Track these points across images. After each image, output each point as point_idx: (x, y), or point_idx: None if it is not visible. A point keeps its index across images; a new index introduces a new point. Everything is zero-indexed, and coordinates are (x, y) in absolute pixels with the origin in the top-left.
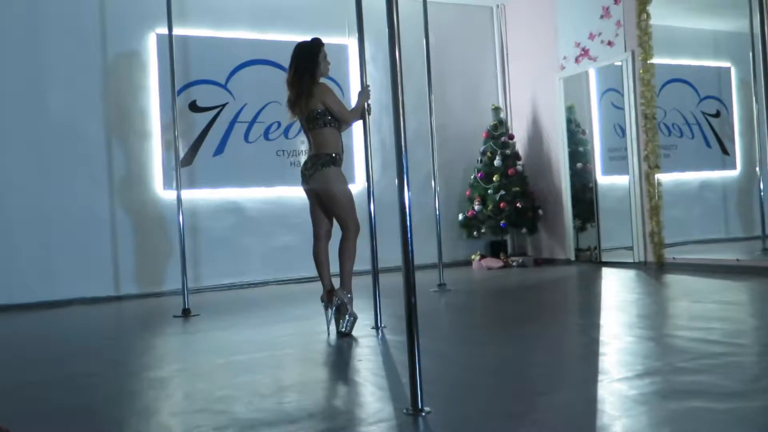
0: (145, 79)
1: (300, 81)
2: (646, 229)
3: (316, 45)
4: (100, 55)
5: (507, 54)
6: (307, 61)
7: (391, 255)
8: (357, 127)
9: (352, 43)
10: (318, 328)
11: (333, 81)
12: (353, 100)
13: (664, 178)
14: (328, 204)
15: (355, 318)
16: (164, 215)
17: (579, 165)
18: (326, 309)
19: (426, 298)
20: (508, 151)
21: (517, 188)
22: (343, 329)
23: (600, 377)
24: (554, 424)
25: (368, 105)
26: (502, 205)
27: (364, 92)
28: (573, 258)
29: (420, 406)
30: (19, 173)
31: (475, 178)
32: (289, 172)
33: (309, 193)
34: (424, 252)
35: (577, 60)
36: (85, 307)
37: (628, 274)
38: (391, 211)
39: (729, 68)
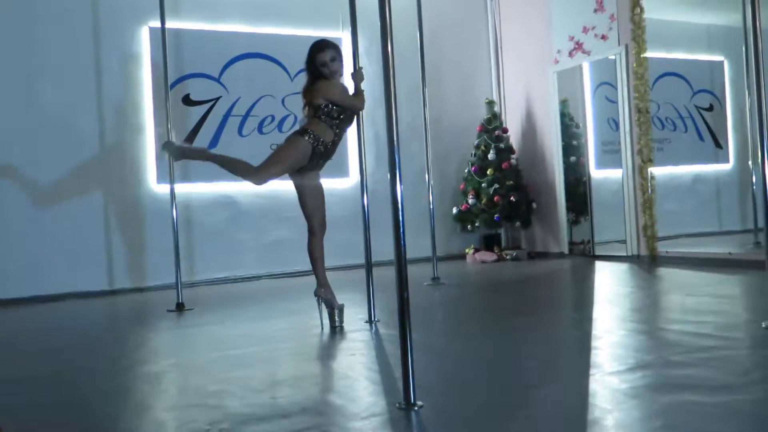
0: (138, 72)
1: (306, 87)
2: (639, 223)
3: (309, 53)
4: (93, 49)
5: (501, 47)
6: (308, 67)
7: (385, 248)
8: None
9: (345, 36)
10: (312, 323)
11: None
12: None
13: (657, 171)
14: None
15: (341, 308)
16: (158, 209)
17: (572, 158)
18: (319, 303)
19: (420, 291)
20: (501, 145)
21: (511, 182)
22: (337, 324)
23: (592, 371)
24: (546, 417)
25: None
26: (495, 198)
27: (358, 74)
28: (566, 251)
29: (413, 401)
30: (12, 167)
31: (469, 171)
32: None
33: (297, 187)
34: (418, 245)
35: (570, 54)
36: (78, 302)
37: (621, 268)
38: (385, 205)
39: (722, 62)
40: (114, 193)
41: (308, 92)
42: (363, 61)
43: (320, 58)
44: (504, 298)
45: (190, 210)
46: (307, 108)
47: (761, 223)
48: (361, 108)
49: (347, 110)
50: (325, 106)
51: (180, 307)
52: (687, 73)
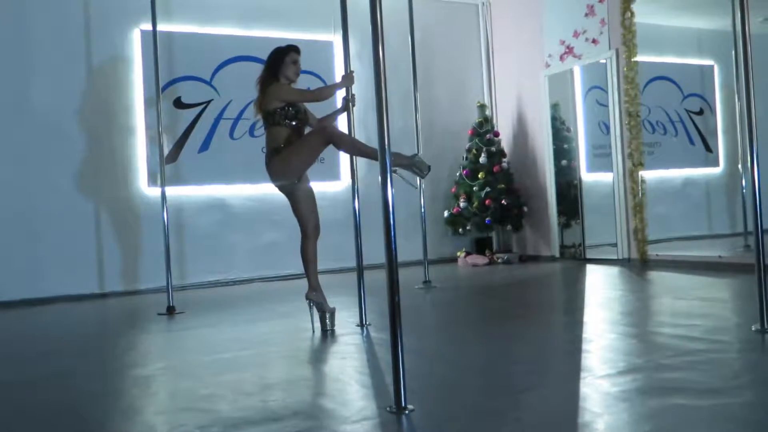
0: (129, 75)
1: (263, 81)
2: (629, 226)
3: (285, 49)
4: (85, 51)
5: (492, 51)
6: (273, 61)
7: (377, 252)
8: (342, 120)
9: (337, 39)
10: (303, 326)
11: (318, 77)
12: (338, 97)
13: (647, 175)
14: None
15: (332, 311)
16: (149, 212)
17: (564, 162)
18: (311, 307)
19: (411, 295)
20: (493, 149)
21: (503, 185)
22: (328, 328)
23: (583, 374)
24: (537, 421)
25: (353, 96)
26: (487, 202)
27: (348, 77)
28: (557, 255)
29: (403, 404)
30: (2, 170)
31: (460, 175)
32: None
33: (288, 193)
34: (410, 249)
35: (562, 58)
36: (69, 305)
37: (612, 271)
38: (376, 208)
39: (712, 66)
40: (105, 196)
41: (262, 100)
42: (354, 65)
43: (295, 56)
44: (495, 302)
45: (182, 213)
46: (260, 118)
47: (751, 227)
48: (319, 98)
49: (300, 113)
50: (281, 108)
51: (171, 311)
52: (677, 77)
